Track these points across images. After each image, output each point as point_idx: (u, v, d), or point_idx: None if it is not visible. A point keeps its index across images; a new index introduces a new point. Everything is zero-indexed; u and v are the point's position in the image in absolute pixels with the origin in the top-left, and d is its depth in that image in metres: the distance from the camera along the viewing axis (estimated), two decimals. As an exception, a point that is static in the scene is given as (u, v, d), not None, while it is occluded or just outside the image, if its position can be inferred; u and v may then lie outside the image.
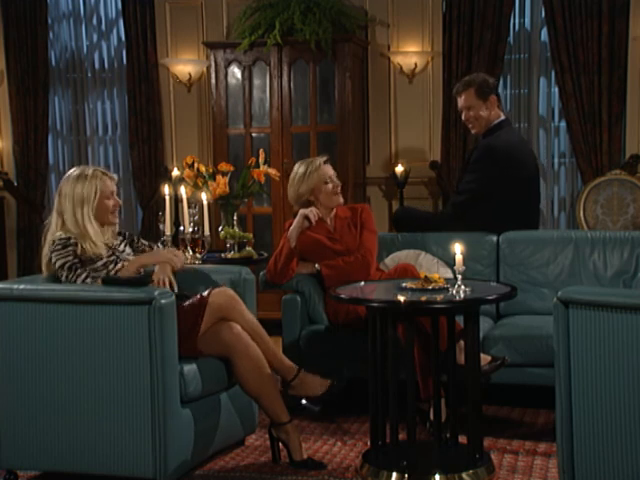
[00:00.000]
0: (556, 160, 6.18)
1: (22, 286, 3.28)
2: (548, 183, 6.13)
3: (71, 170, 3.59)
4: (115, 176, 3.74)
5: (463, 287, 3.25)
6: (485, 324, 4.03)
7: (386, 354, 3.35)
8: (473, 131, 4.65)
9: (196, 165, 4.74)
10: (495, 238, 4.45)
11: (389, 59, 6.22)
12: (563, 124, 6.06)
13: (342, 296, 3.34)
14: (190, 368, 3.26)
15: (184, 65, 6.49)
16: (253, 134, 6.13)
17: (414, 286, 3.34)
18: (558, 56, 5.84)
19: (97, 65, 6.87)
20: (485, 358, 3.69)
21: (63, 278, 3.34)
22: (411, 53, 6.15)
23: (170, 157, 6.65)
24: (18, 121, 6.82)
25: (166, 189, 4.49)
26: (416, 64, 6.14)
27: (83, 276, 3.32)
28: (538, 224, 4.73)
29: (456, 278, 3.32)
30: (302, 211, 4.08)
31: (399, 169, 6.06)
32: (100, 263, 3.41)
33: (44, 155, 6.87)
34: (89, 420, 3.18)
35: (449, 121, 6.06)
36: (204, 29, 6.47)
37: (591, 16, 5.74)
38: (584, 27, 5.76)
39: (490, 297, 3.27)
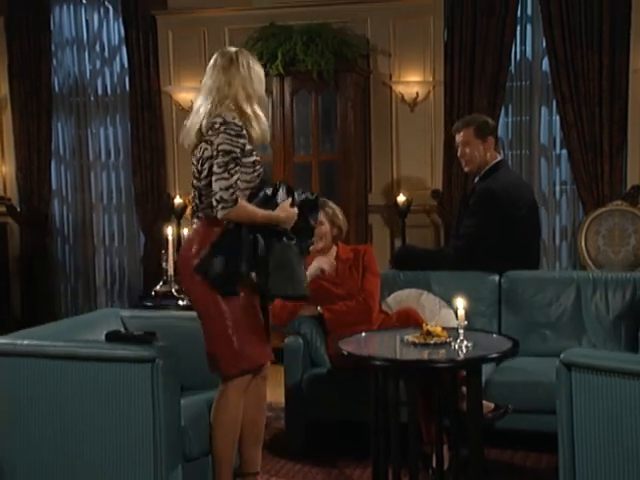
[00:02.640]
0: (557, 188, 6.19)
1: (26, 342, 3.29)
2: (549, 212, 6.14)
3: None
4: None
5: (465, 342, 3.27)
6: (487, 367, 4.03)
7: (388, 400, 3.38)
8: (466, 169, 4.67)
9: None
10: (497, 278, 4.46)
11: (391, 88, 6.23)
12: (564, 152, 6.07)
13: (344, 352, 3.35)
14: (193, 426, 3.27)
15: (187, 93, 6.49)
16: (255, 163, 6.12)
17: (416, 340, 3.36)
18: (559, 86, 5.85)
19: (100, 91, 6.93)
20: (488, 405, 3.71)
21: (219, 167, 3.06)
22: (413, 82, 6.17)
23: (172, 184, 6.67)
24: (21, 146, 6.87)
25: (169, 230, 4.53)
26: (418, 93, 6.15)
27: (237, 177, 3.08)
28: (539, 262, 4.74)
29: (458, 330, 3.34)
30: (318, 262, 4.09)
31: (401, 199, 6.07)
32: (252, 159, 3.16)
33: (47, 180, 6.92)
34: (92, 476, 3.18)
35: (451, 150, 6.03)
36: (206, 57, 6.37)
37: (592, 48, 5.75)
38: (585, 58, 5.77)
39: (492, 355, 3.28)
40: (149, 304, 4.57)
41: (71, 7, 6.90)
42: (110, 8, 6.84)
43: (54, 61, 6.87)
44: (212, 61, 3.25)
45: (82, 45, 6.89)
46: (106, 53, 6.87)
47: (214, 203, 3.07)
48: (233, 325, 3.14)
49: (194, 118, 3.21)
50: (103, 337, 3.31)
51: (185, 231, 4.51)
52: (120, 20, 6.70)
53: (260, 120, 3.19)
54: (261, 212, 3.14)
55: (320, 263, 4.09)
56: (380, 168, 6.31)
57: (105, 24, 6.86)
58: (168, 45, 6.56)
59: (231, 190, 3.04)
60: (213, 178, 3.07)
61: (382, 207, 6.33)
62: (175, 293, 4.51)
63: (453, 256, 4.59)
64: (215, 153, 3.07)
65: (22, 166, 6.87)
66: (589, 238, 5.75)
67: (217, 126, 3.08)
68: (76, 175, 7.03)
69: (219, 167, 3.05)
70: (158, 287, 4.69)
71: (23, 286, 6.99)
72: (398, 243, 6.22)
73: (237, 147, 3.06)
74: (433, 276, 4.55)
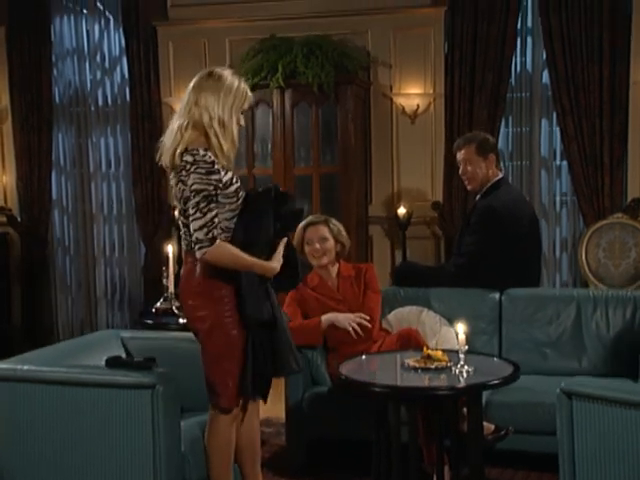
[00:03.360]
0: (557, 200, 6.19)
1: (26, 367, 3.29)
2: (550, 224, 6.15)
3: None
4: None
5: (466, 367, 3.27)
6: (487, 386, 4.04)
7: (389, 421, 3.38)
8: (469, 187, 4.67)
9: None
10: (497, 296, 4.45)
11: (391, 100, 6.23)
12: (565, 163, 6.07)
13: (344, 377, 3.35)
14: (192, 450, 3.27)
15: (187, 104, 6.47)
16: (256, 175, 6.14)
17: (417, 364, 3.37)
18: (559, 98, 5.85)
19: (100, 102, 6.91)
20: (489, 427, 3.71)
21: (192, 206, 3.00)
22: (413, 94, 6.16)
23: (173, 195, 6.62)
24: (22, 157, 6.86)
25: (169, 248, 4.53)
26: (418, 105, 6.15)
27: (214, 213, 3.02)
28: (539, 278, 4.74)
29: (458, 354, 3.34)
30: (351, 320, 4.07)
31: (401, 211, 6.07)
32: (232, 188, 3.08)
33: (47, 191, 6.91)
34: (93, 502, 3.19)
35: (451, 162, 5.99)
36: (207, 68, 6.45)
37: (592, 60, 5.75)
38: (585, 71, 5.78)
39: (493, 382, 3.28)
40: (149, 322, 4.56)
41: (72, 17, 6.88)
42: (111, 19, 6.83)
43: (54, 71, 6.86)
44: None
45: (83, 55, 6.88)
46: (107, 64, 6.86)
47: (194, 244, 3.02)
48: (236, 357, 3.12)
49: (168, 141, 3.12)
50: (103, 362, 3.31)
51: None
52: (121, 31, 6.68)
53: (222, 146, 3.07)
54: (248, 258, 3.05)
55: (352, 323, 4.07)
56: (380, 180, 6.31)
57: (106, 35, 6.85)
58: (169, 56, 6.55)
59: (205, 229, 2.98)
60: (190, 220, 3.03)
61: (382, 219, 6.33)
62: (176, 311, 4.50)
63: (454, 273, 4.59)
64: (188, 194, 3.02)
65: (23, 176, 6.86)
66: (589, 251, 5.74)
67: (188, 167, 3.01)
68: (76, 185, 7.01)
69: (192, 208, 3.00)
70: (159, 304, 4.67)
71: (23, 296, 6.98)
72: (398, 255, 6.23)
73: (210, 185, 2.99)
74: (433, 293, 4.55)
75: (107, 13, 6.84)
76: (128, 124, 6.71)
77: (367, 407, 3.68)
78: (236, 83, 3.13)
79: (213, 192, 3.00)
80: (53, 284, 7.05)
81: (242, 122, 3.19)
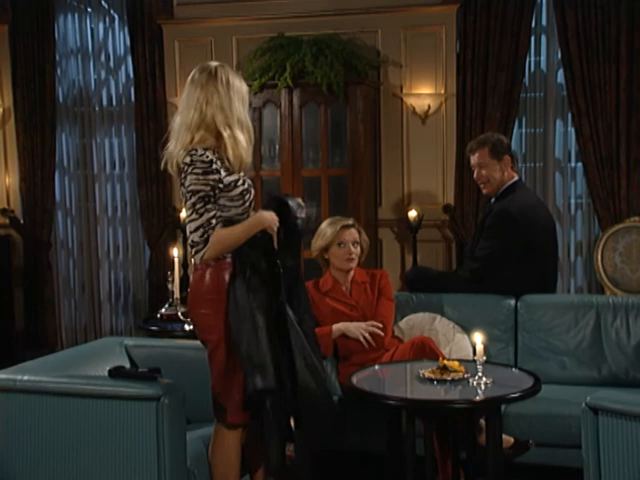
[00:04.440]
0: (572, 203, 6.05)
1: (26, 377, 3.17)
2: (564, 227, 6.00)
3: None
4: None
5: (484, 379, 3.14)
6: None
7: (402, 434, 3.26)
8: (484, 191, 4.54)
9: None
10: (513, 302, 4.32)
11: (402, 100, 6.09)
12: (580, 165, 5.92)
13: (357, 388, 3.22)
14: (198, 465, 3.14)
15: (193, 104, 6.36)
16: (263, 177, 6.01)
17: (432, 375, 3.23)
18: (575, 99, 5.71)
19: (105, 102, 6.79)
20: (508, 440, 3.57)
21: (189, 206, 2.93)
22: (424, 94, 6.02)
23: (178, 197, 6.48)
24: (25, 157, 6.75)
25: (175, 252, 4.41)
26: (429, 105, 6.01)
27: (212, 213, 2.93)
28: (556, 285, 4.60)
29: (476, 365, 3.21)
30: (362, 329, 3.96)
31: (412, 214, 5.94)
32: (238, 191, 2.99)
33: (51, 192, 6.78)
34: (95, 518, 3.07)
35: (463, 164, 5.91)
36: (213, 68, 6.34)
37: (609, 59, 5.61)
38: (601, 70, 5.63)
39: (512, 395, 3.13)
40: (154, 328, 4.45)
41: (76, 16, 6.75)
42: (116, 17, 6.71)
43: (58, 71, 6.73)
44: (190, 76, 3.06)
45: (87, 55, 6.75)
46: (111, 63, 6.74)
47: (190, 247, 2.94)
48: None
49: (172, 145, 3.03)
50: (106, 371, 3.19)
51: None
52: (126, 29, 6.57)
53: (238, 144, 2.98)
54: (237, 226, 2.95)
55: (363, 332, 3.96)
56: (390, 182, 6.18)
57: (110, 33, 6.72)
58: (174, 55, 6.42)
59: (201, 230, 2.90)
60: (187, 222, 2.95)
61: (392, 222, 6.20)
62: (181, 316, 4.38)
63: (467, 278, 4.46)
64: (185, 195, 2.94)
65: (26, 177, 6.74)
66: (605, 255, 5.61)
67: (185, 168, 2.93)
68: (80, 187, 6.89)
69: (188, 209, 2.93)
70: (164, 310, 4.56)
71: (26, 299, 6.86)
72: (409, 259, 6.10)
73: (207, 185, 2.90)
74: (446, 299, 4.42)
75: (112, 11, 6.72)
76: (133, 124, 6.59)
77: (378, 418, 3.56)
78: (239, 78, 3.06)
79: (210, 192, 2.90)
80: (56, 287, 6.92)
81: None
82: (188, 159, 2.91)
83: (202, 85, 3.00)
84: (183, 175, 2.93)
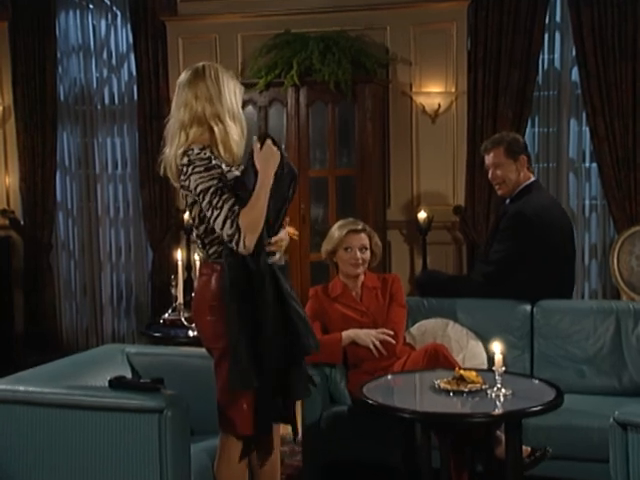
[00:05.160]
0: (587, 204, 5.90)
1: (24, 388, 3.03)
2: (578, 229, 5.83)
3: None
4: None
5: (503, 390, 2.99)
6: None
7: (417, 447, 3.12)
8: (499, 192, 4.39)
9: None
10: (529, 307, 4.16)
11: (411, 98, 5.95)
12: (594, 165, 5.77)
13: (369, 400, 3.07)
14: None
15: (197, 102, 6.23)
16: (269, 177, 5.86)
17: (448, 386, 3.08)
18: (590, 97, 5.56)
19: (107, 100, 6.68)
20: (525, 450, 3.41)
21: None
22: (434, 93, 5.88)
23: (182, 197, 6.37)
24: (25, 157, 6.65)
25: (179, 254, 4.27)
26: (440, 104, 5.86)
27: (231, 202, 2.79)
28: (573, 290, 4.45)
29: (495, 375, 3.06)
30: (373, 337, 3.83)
31: (422, 215, 5.80)
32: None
33: (52, 192, 6.67)
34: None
35: (474, 164, 5.78)
36: (218, 65, 6.21)
37: (625, 56, 5.46)
38: (617, 68, 5.48)
39: (534, 409, 2.97)
40: (156, 334, 4.30)
41: (77, 12, 6.64)
42: (118, 13, 6.59)
43: (59, 69, 6.62)
44: (178, 79, 2.98)
45: (89, 52, 6.64)
46: (114, 60, 6.62)
47: (229, 245, 2.78)
48: None
49: (167, 149, 2.92)
50: (107, 381, 3.05)
51: (197, 256, 4.22)
52: (128, 26, 6.45)
53: (230, 137, 2.87)
54: (254, 194, 2.77)
55: (374, 340, 3.82)
56: (399, 183, 6.03)
57: (113, 30, 6.61)
58: (178, 52, 6.28)
59: (229, 222, 2.75)
60: (211, 222, 2.79)
61: (401, 223, 6.06)
62: (185, 322, 4.23)
63: (481, 283, 4.31)
64: (197, 198, 2.80)
65: (26, 177, 6.63)
66: (622, 259, 5.46)
67: (185, 169, 2.81)
68: (82, 187, 6.77)
69: (207, 210, 2.78)
70: (167, 315, 4.42)
71: (26, 302, 6.73)
72: (418, 261, 5.96)
73: (213, 179, 2.78)
74: (459, 304, 4.27)
75: (114, 8, 6.60)
76: (136, 123, 6.47)
77: (390, 428, 3.42)
78: (231, 74, 2.96)
79: (220, 184, 2.78)
80: (57, 290, 6.79)
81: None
82: (186, 159, 2.80)
83: (189, 82, 2.91)
84: (184, 177, 2.82)
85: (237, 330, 2.78)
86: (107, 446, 2.89)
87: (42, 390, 3.04)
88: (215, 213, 2.76)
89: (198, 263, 4.24)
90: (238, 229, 2.75)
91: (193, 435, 3.13)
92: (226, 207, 2.76)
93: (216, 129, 2.86)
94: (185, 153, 2.81)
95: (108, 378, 3.05)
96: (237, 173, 2.86)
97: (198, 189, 2.77)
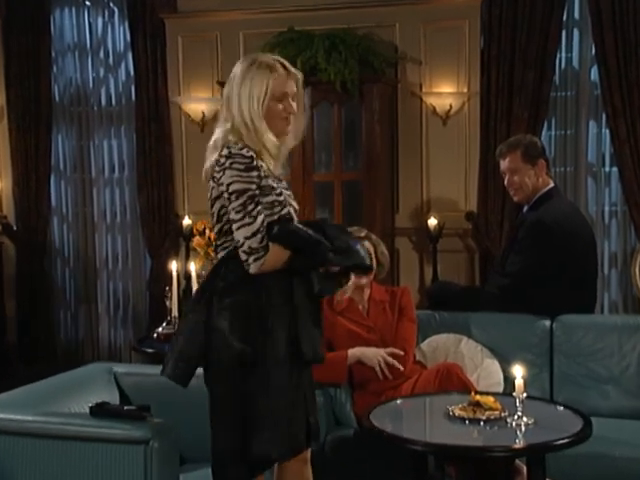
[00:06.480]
0: (607, 210, 5.66)
1: (1, 415, 2.77)
2: (598, 237, 5.53)
3: None
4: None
5: (525, 419, 2.71)
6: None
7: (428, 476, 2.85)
8: (515, 198, 4.13)
9: (207, 232, 4.24)
10: (548, 323, 3.89)
11: (421, 99, 5.71)
12: (615, 170, 5.53)
13: (377, 429, 2.80)
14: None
15: (197, 103, 6.01)
16: (271, 182, 5.63)
17: (464, 414, 2.80)
18: (610, 98, 5.33)
19: (104, 101, 6.51)
20: (548, 483, 3.15)
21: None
22: (445, 93, 5.64)
23: (181, 203, 6.17)
24: (18, 160, 6.50)
25: (174, 265, 4.02)
26: (451, 105, 5.63)
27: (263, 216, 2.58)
28: (595, 304, 4.17)
29: (515, 402, 2.78)
30: (380, 357, 3.58)
31: (432, 222, 5.55)
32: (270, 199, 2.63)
33: (46, 197, 6.52)
34: None
35: (486, 168, 5.55)
36: (219, 65, 5.98)
37: (648, 55, 5.23)
38: (639, 67, 5.24)
39: (560, 442, 2.68)
40: (149, 350, 4.05)
41: (73, 10, 6.46)
42: (115, 11, 6.40)
43: (54, 68, 6.46)
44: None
45: (85, 51, 6.47)
46: (110, 60, 6.44)
47: (243, 257, 2.53)
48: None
49: (209, 148, 2.69)
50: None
51: (192, 266, 3.98)
52: (126, 24, 6.26)
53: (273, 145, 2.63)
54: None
55: (380, 360, 3.57)
56: (408, 187, 5.78)
57: (110, 28, 6.43)
58: (177, 51, 6.07)
59: (259, 236, 2.51)
60: (234, 227, 2.54)
61: (410, 230, 5.81)
62: (180, 337, 3.97)
63: (497, 295, 4.03)
64: (227, 196, 2.54)
65: (19, 181, 6.47)
66: (644, 268, 5.21)
67: (222, 161, 2.56)
68: (77, 191, 6.59)
69: (237, 212, 2.52)
70: (161, 329, 4.17)
71: (19, 311, 6.54)
72: (428, 270, 5.71)
73: (252, 183, 2.53)
74: (473, 319, 4.00)
75: (111, 5, 6.41)
76: (133, 125, 6.28)
77: (399, 455, 3.14)
78: (247, 65, 2.65)
79: (257, 192, 2.55)
80: (51, 298, 6.59)
81: (285, 111, 2.70)
82: (226, 151, 2.57)
83: (230, 78, 2.69)
84: (218, 169, 2.57)
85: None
86: (89, 479, 2.65)
87: (18, 418, 2.79)
88: (247, 220, 2.52)
89: (194, 273, 4.03)
90: (265, 249, 2.53)
91: (183, 464, 2.93)
92: (259, 219, 2.53)
93: (248, 129, 2.61)
94: (226, 145, 2.60)
95: (92, 402, 2.81)
96: (271, 182, 2.61)
97: (232, 188, 2.54)
